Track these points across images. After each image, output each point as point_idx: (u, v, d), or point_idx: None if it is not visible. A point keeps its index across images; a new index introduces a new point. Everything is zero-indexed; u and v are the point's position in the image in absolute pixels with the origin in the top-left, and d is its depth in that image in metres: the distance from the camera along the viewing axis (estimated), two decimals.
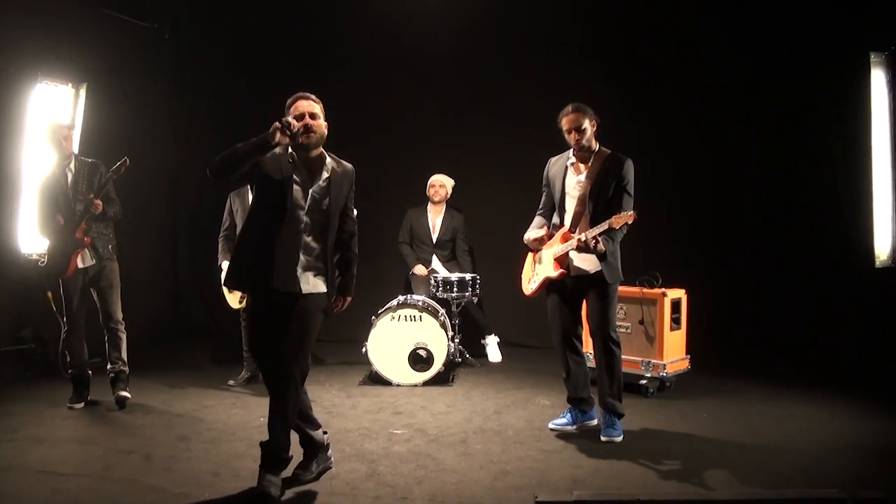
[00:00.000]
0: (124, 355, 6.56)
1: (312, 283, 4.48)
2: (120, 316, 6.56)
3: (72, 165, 6.43)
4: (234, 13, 9.42)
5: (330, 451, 4.79)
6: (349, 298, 4.78)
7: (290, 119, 4.23)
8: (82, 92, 8.03)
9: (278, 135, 4.15)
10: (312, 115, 4.36)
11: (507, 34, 9.13)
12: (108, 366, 6.53)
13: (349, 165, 4.63)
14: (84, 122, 7.98)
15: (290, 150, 4.40)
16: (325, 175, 4.48)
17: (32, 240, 7.48)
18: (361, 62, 9.28)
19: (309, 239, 4.46)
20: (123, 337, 6.59)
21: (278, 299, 4.40)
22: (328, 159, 4.51)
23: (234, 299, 7.14)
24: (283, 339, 4.38)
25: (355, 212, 4.77)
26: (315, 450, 4.69)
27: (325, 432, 4.77)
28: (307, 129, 4.30)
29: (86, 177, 6.41)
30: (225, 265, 7.10)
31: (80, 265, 6.37)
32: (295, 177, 4.40)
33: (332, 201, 4.48)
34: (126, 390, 6.45)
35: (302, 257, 4.44)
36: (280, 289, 4.38)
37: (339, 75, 8.92)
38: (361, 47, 9.30)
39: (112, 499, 4.34)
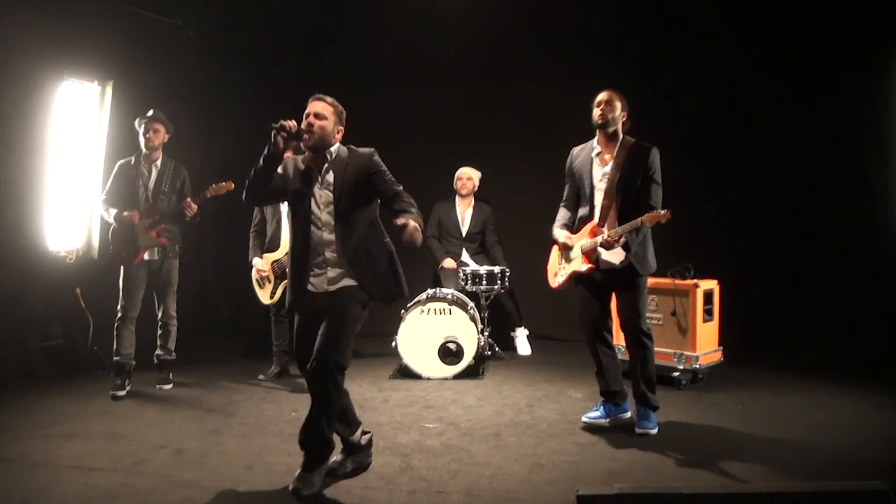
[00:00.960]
0: (172, 345, 6.94)
1: (340, 280, 4.53)
2: (173, 311, 6.91)
3: (158, 163, 6.65)
4: (258, 9, 9.41)
5: (371, 448, 4.84)
6: (411, 222, 4.23)
7: (282, 122, 4.28)
8: (108, 89, 8.03)
9: (279, 140, 4.28)
10: (317, 115, 4.45)
11: (535, 25, 9.09)
12: (157, 352, 6.85)
13: (365, 149, 4.60)
14: (110, 120, 7.97)
15: (302, 153, 4.54)
16: (326, 166, 4.53)
17: (59, 237, 7.50)
18: (388, 55, 9.26)
19: (330, 236, 4.50)
20: (174, 331, 6.95)
21: (314, 301, 4.54)
22: (333, 150, 4.53)
23: (265, 295, 7.17)
24: (320, 335, 4.41)
25: (399, 186, 4.57)
26: (352, 450, 4.71)
27: (366, 432, 4.81)
28: (309, 128, 4.39)
29: (170, 178, 6.68)
30: (256, 261, 7.14)
31: (146, 257, 6.63)
32: (305, 178, 4.52)
33: (340, 188, 4.47)
34: (169, 380, 6.91)
35: (326, 255, 4.52)
36: (310, 289, 4.54)
37: (364, 69, 8.91)
38: (388, 40, 9.27)
39: (144, 493, 4.33)
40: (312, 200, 4.49)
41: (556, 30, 9.02)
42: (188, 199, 6.60)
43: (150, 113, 6.75)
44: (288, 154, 4.50)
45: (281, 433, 5.45)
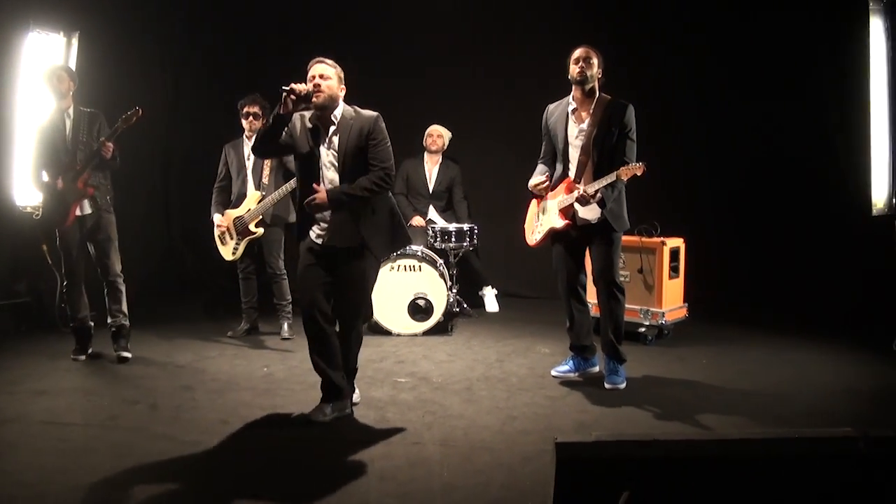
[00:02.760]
0: (125, 308, 6.47)
1: (347, 235, 4.72)
2: (119, 269, 6.42)
3: (70, 111, 6.27)
4: None
5: (354, 398, 5.04)
6: (321, 194, 4.61)
7: (292, 85, 4.46)
8: (74, 41, 7.90)
9: (289, 102, 4.46)
10: (322, 76, 4.60)
11: None
12: (109, 319, 6.44)
13: (370, 113, 4.77)
14: (76, 72, 7.85)
15: (309, 111, 4.70)
16: (332, 128, 4.69)
17: (27, 192, 7.39)
18: (359, 13, 9.16)
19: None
20: (123, 290, 6.47)
21: (322, 252, 4.77)
22: (339, 111, 4.71)
23: (227, 251, 7.13)
24: (339, 289, 4.79)
25: (388, 162, 4.75)
26: (335, 395, 4.80)
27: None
28: (316, 89, 4.55)
29: (86, 126, 6.27)
30: (216, 217, 7.11)
31: (79, 213, 6.24)
32: (310, 135, 4.71)
33: (344, 151, 4.66)
34: (127, 349, 6.40)
35: (331, 211, 4.70)
36: (317, 241, 4.78)
37: (335, 26, 8.83)
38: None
39: (121, 446, 4.33)
40: (319, 159, 4.71)
41: None
42: (102, 140, 6.13)
43: (55, 63, 6.61)
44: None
45: (254, 388, 5.48)
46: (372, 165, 4.67)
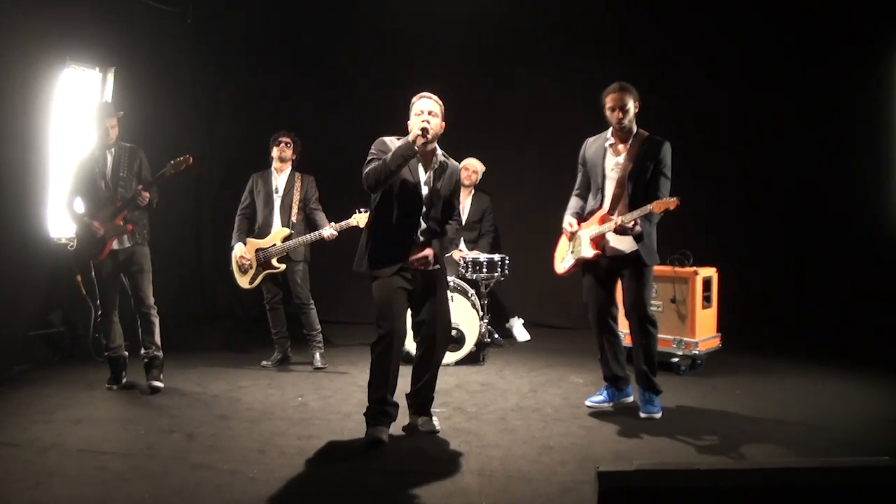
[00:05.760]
0: (158, 340, 6.50)
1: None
2: (152, 301, 6.47)
3: (113, 149, 6.39)
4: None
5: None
6: (429, 252, 4.94)
7: (424, 125, 4.70)
8: (110, 76, 8.04)
9: (419, 141, 4.66)
10: (431, 112, 4.81)
11: (538, 17, 9.13)
12: (142, 350, 6.46)
13: (455, 163, 5.14)
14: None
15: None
16: (434, 167, 4.96)
17: (62, 224, 7.47)
18: (388, 46, 9.26)
19: (423, 224, 4.98)
20: (156, 321, 6.51)
21: (411, 277, 4.96)
22: (438, 153, 4.98)
23: (244, 280, 7.18)
24: (429, 309, 5.04)
25: (458, 210, 5.26)
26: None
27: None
28: (425, 127, 4.70)
29: (126, 162, 6.38)
30: (238, 248, 7.16)
31: (115, 247, 6.31)
32: (412, 169, 4.90)
33: (440, 193, 4.98)
34: (159, 379, 6.42)
35: (422, 238, 4.97)
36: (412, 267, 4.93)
37: (364, 60, 8.90)
38: (387, 31, 9.30)
39: (160, 475, 4.35)
40: (415, 190, 4.90)
41: (562, 21, 9.06)
42: (139, 188, 6.24)
43: (111, 105, 6.61)
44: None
45: (289, 418, 5.49)
46: (449, 209, 5.10)
